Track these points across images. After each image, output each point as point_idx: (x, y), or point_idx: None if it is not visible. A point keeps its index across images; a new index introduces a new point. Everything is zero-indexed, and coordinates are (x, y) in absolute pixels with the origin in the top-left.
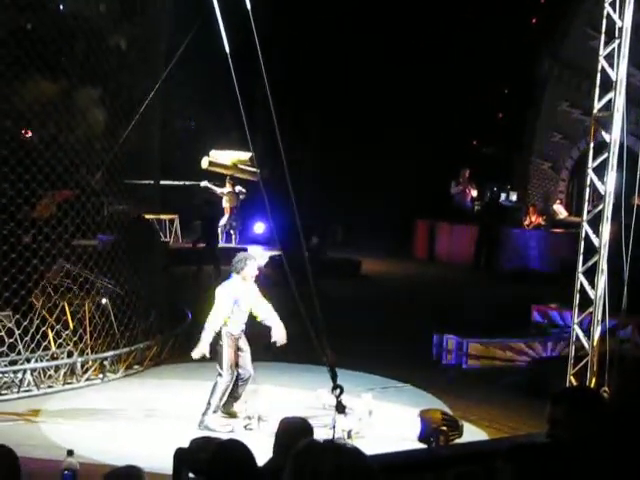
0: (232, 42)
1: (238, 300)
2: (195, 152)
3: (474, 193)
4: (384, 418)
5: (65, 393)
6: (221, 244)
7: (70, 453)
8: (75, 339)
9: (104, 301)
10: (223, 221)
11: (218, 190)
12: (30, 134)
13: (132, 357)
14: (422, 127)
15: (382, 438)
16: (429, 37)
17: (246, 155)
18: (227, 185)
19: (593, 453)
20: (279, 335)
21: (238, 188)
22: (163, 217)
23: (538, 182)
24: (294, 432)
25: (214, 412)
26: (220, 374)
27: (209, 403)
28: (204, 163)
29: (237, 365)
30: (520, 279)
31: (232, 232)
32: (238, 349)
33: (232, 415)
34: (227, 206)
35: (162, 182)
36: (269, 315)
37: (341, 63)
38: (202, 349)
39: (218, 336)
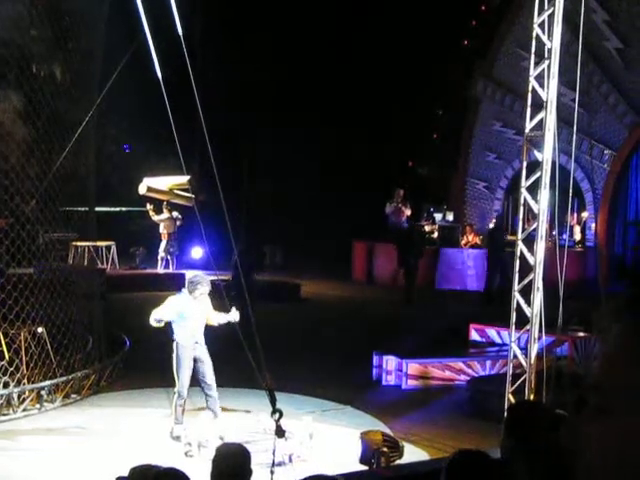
0: (166, 67)
1: (182, 313)
2: (131, 177)
3: (408, 212)
4: (325, 441)
5: (1, 425)
6: (160, 270)
7: None
8: (11, 369)
9: (40, 330)
10: (161, 248)
11: (156, 217)
12: None
13: (70, 386)
14: (358, 149)
15: (323, 461)
16: (364, 60)
17: (183, 179)
18: (165, 211)
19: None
20: (232, 316)
21: (175, 214)
22: (99, 244)
23: (474, 202)
24: (232, 458)
25: (176, 423)
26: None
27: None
28: (142, 189)
29: (199, 376)
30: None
31: (169, 258)
32: (195, 360)
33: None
34: (164, 232)
35: (98, 208)
36: (219, 318)
37: (277, 87)
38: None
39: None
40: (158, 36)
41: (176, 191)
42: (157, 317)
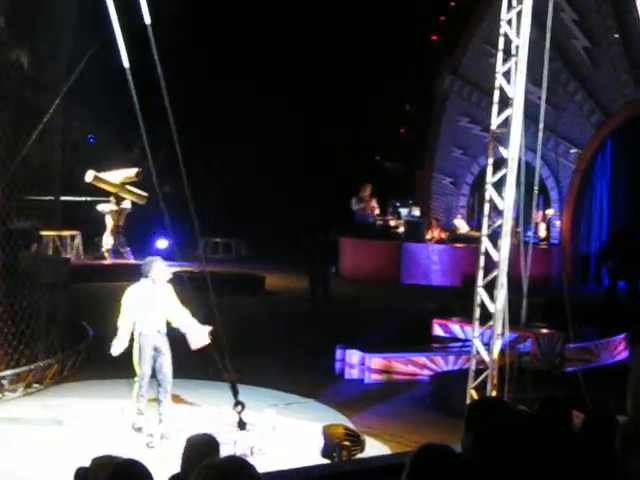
0: (132, 57)
1: (143, 300)
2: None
3: (377, 211)
4: (287, 433)
5: None
6: (111, 261)
7: None
8: None
9: None
10: (104, 240)
11: (100, 207)
12: None
13: (32, 376)
14: (326, 143)
15: (285, 454)
16: (333, 55)
17: (132, 171)
18: (111, 203)
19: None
20: (195, 340)
21: (125, 203)
22: (64, 233)
23: (440, 197)
24: (201, 449)
25: (137, 414)
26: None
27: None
28: (88, 177)
29: (156, 366)
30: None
31: (121, 249)
32: (155, 350)
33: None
34: (112, 224)
35: (63, 197)
36: (183, 322)
37: (244, 81)
38: (118, 345)
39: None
40: (125, 25)
41: (128, 187)
42: (124, 325)
